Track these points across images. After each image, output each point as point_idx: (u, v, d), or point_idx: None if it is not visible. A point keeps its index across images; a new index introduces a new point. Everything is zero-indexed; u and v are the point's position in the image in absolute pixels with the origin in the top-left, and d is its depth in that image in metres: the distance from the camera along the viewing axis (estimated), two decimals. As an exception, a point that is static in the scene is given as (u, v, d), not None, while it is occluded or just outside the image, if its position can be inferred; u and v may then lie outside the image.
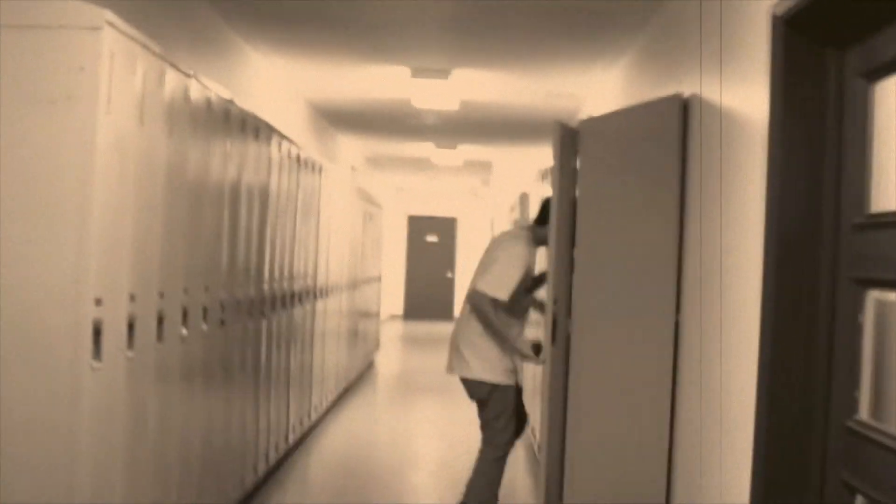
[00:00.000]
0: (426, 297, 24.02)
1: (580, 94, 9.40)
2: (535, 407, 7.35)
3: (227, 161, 5.05)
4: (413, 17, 6.87)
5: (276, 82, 9.02)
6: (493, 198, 17.04)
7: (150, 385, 3.95)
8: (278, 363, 6.69)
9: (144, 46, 3.78)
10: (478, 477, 5.68)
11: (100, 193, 3.32)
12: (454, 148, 14.74)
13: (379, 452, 8.15)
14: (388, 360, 14.86)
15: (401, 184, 22.73)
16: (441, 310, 23.90)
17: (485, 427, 5.79)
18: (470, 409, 10.75)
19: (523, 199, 11.01)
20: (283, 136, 6.46)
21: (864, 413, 3.18)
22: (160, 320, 4.02)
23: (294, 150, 6.89)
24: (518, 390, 5.84)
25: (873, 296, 3.18)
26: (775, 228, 3.49)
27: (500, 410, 5.68)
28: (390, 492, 6.92)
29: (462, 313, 5.85)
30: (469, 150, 14.93)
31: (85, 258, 3.25)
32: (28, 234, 3.25)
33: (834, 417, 3.29)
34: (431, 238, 24.12)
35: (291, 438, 7.34)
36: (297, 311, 7.31)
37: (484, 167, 17.45)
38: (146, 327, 3.84)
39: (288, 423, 7.18)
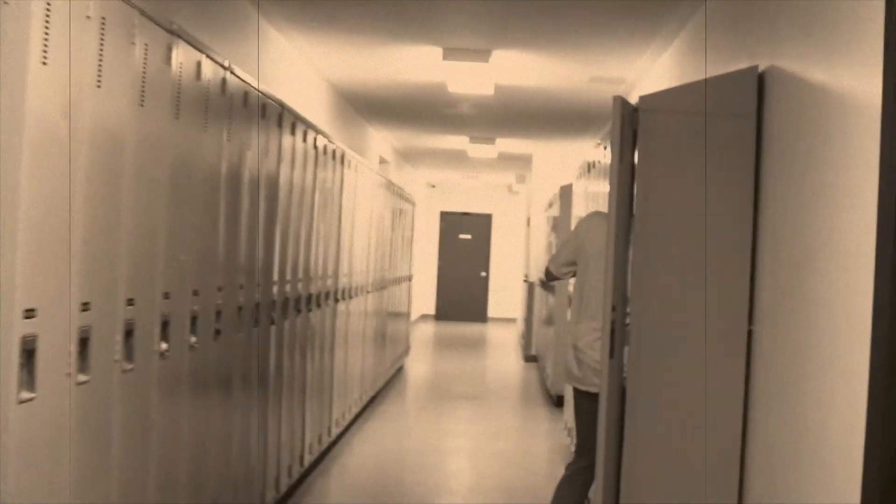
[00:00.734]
0: (459, 297, 23.54)
1: (629, 78, 8.68)
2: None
3: (227, 146, 4.37)
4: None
5: (298, 64, 8.37)
6: (529, 194, 16.46)
7: (117, 414, 3.22)
8: (291, 375, 5.98)
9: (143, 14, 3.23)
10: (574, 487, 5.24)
11: (30, 176, 2.57)
12: (491, 142, 14.16)
13: (408, 474, 7.42)
14: (419, 365, 14.28)
15: (433, 178, 22.25)
16: (474, 310, 23.42)
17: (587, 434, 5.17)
18: (508, 421, 10.37)
19: (565, 193, 10.36)
20: (299, 118, 5.76)
21: None
22: (129, 333, 3.28)
23: (314, 138, 6.19)
24: None
25: None
26: (892, 221, 2.82)
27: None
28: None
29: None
30: (505, 143, 14.36)
31: (8, 256, 2.49)
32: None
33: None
34: (465, 236, 23.58)
35: (308, 460, 6.62)
36: (315, 316, 6.60)
37: (521, 161, 16.90)
38: (106, 342, 3.10)
39: (304, 443, 6.46)
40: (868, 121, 3.14)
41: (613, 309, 4.62)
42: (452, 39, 7.73)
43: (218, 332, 4.33)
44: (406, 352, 13.89)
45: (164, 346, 3.64)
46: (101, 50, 3.01)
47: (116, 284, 3.20)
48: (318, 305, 6.70)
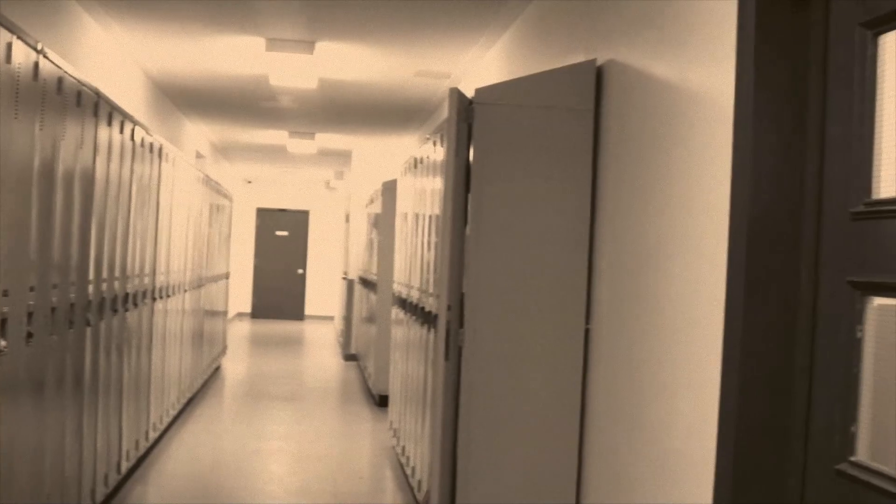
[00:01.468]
0: (276, 294, 23.20)
1: (456, 73, 8.60)
2: (421, 429, 6.54)
3: (39, 136, 4.05)
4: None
5: (111, 53, 7.98)
6: (349, 190, 16.29)
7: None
8: (108, 378, 5.66)
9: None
10: None
11: None
12: (311, 137, 13.93)
13: (230, 479, 7.15)
14: (237, 365, 13.94)
15: (250, 174, 21.83)
16: (292, 308, 23.13)
17: None
18: (330, 422, 10.16)
19: (388, 189, 10.25)
20: (116, 108, 5.44)
21: (862, 453, 2.60)
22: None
23: (131, 129, 5.87)
24: None
25: (877, 303, 2.62)
26: (744, 218, 2.83)
27: None
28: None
29: None
30: (326, 139, 14.15)
31: None
32: None
33: (819, 460, 2.72)
34: (281, 232, 23.24)
35: (125, 467, 6.29)
36: (132, 315, 6.28)
37: (341, 157, 16.71)
38: None
39: (120, 450, 6.14)
40: (714, 116, 3.10)
41: (449, 308, 4.52)
42: (276, 29, 7.51)
43: (30, 334, 4.02)
44: (223, 351, 13.53)
45: (-30, 351, 3.34)
46: None
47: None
48: (136, 305, 6.38)
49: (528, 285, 4.51)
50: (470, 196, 4.51)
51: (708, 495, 2.95)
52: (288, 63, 8.35)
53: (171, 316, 8.16)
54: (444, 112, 9.11)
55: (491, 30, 6.92)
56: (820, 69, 2.74)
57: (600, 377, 4.28)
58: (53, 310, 4.39)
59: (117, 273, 5.74)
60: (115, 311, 5.73)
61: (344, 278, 16.00)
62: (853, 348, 2.57)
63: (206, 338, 11.09)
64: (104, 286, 5.40)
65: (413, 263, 6.78)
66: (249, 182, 23.11)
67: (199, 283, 10.12)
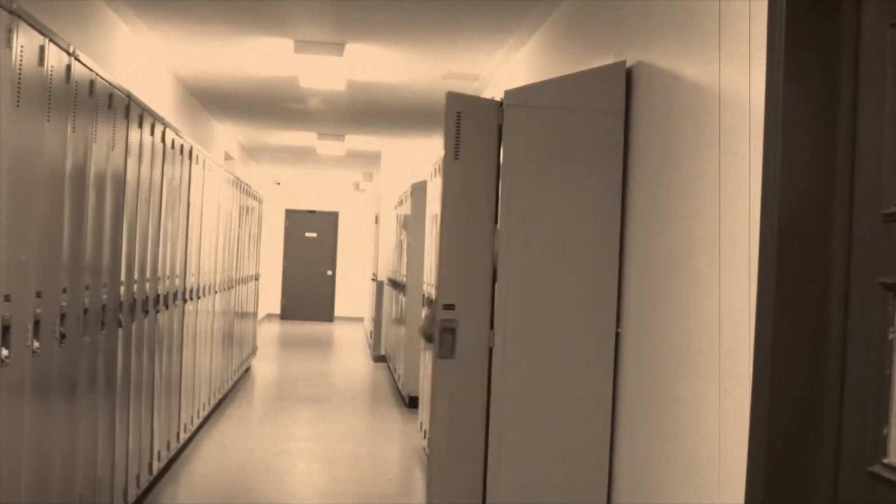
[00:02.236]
0: (305, 296, 23.23)
1: (484, 75, 8.60)
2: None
3: (72, 138, 4.08)
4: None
5: (142, 55, 8.03)
6: (378, 192, 16.31)
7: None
8: (139, 379, 5.69)
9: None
10: None
11: None
12: (340, 139, 13.96)
13: (260, 480, 7.17)
14: (267, 366, 13.98)
15: (279, 175, 21.89)
16: (321, 309, 23.16)
17: None
18: (360, 423, 10.18)
19: (417, 190, 10.27)
20: (146, 111, 5.48)
21: (895, 455, 2.60)
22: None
23: (162, 131, 5.90)
24: None
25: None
26: (775, 220, 2.80)
27: None
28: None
29: None
30: (355, 140, 14.18)
31: None
32: None
33: (851, 462, 2.71)
34: (311, 234, 23.28)
35: (156, 467, 6.33)
36: (163, 317, 6.32)
37: (370, 159, 16.73)
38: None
39: (152, 450, 6.17)
40: (745, 117, 3.09)
41: (451, 308, 4.51)
42: (305, 31, 7.53)
43: (63, 336, 4.06)
44: (253, 352, 13.58)
45: (4, 352, 3.36)
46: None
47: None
48: (167, 306, 6.42)
49: (558, 288, 4.50)
50: (500, 198, 4.50)
51: (739, 497, 2.94)
52: (317, 65, 8.37)
53: (202, 317, 8.20)
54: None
55: (520, 32, 6.91)
56: (851, 70, 2.73)
57: (631, 380, 4.27)
58: (86, 311, 4.42)
59: (148, 275, 5.77)
60: (146, 312, 5.76)
61: (373, 279, 16.02)
62: (885, 350, 2.55)
63: (236, 339, 11.13)
64: (135, 288, 5.44)
65: (442, 265, 6.77)
66: (278, 183, 23.17)
67: (229, 285, 10.16)
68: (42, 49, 3.66)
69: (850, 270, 2.73)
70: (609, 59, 4.73)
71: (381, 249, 15.03)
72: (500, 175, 4.52)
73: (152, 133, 5.68)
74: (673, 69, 3.84)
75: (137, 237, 5.43)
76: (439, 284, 4.57)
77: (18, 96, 3.43)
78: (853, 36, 2.72)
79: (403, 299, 11.03)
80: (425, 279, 8.22)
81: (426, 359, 7.96)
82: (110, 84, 4.68)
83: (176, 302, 6.80)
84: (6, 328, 3.38)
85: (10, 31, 3.32)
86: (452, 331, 4.53)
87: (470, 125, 4.54)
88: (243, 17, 7.18)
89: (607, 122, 4.44)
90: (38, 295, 3.72)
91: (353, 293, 23.08)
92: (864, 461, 2.61)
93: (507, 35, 7.09)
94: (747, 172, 3.03)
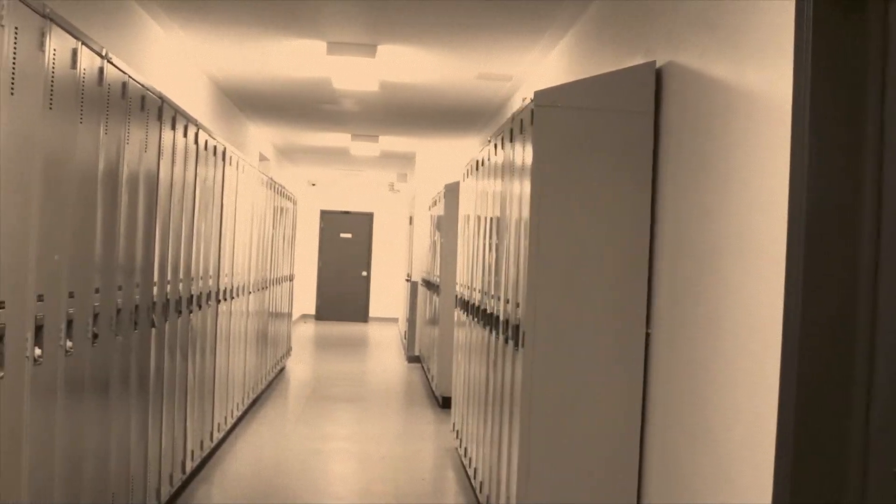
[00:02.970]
0: (340, 296, 23.29)
1: (517, 75, 8.59)
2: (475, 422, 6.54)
3: (104, 140, 4.11)
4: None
5: (175, 57, 8.09)
6: (412, 192, 16.34)
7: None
8: (172, 379, 5.73)
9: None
10: None
11: None
12: (374, 139, 13.99)
13: (293, 480, 7.21)
14: (301, 366, 14.03)
15: (314, 176, 21.96)
16: (356, 310, 23.21)
17: None
18: (393, 423, 10.20)
19: (450, 191, 10.28)
20: (179, 112, 5.51)
21: None
22: (-1, 339, 3.04)
23: (195, 133, 5.94)
24: None
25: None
26: (803, 219, 2.78)
27: None
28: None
29: None
30: (389, 141, 14.20)
31: None
32: None
33: (879, 463, 2.71)
34: (346, 235, 23.33)
35: (189, 466, 6.37)
36: (197, 317, 6.35)
37: (404, 159, 16.76)
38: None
39: (185, 449, 6.21)
40: (772, 117, 3.07)
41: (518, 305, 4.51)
42: (337, 33, 7.55)
43: (95, 335, 4.09)
44: (288, 353, 13.63)
45: (37, 351, 3.40)
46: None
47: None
48: (200, 306, 6.46)
49: (588, 289, 4.49)
50: (531, 198, 4.50)
51: (767, 498, 2.93)
52: (350, 66, 8.39)
53: (236, 317, 8.24)
54: (506, 114, 9.11)
55: (551, 32, 6.90)
56: (878, 70, 2.71)
57: (660, 382, 4.25)
58: (118, 311, 4.46)
59: (181, 275, 5.81)
60: (179, 312, 5.80)
61: (407, 280, 16.05)
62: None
63: (270, 339, 11.18)
64: (168, 288, 5.48)
65: (475, 265, 6.79)
66: (313, 184, 23.25)
67: (263, 285, 10.21)
68: (75, 52, 3.70)
69: (878, 271, 2.71)
70: (639, 60, 4.72)
71: (415, 250, 15.05)
72: (531, 175, 4.52)
73: (185, 135, 5.72)
74: (702, 69, 3.83)
75: (171, 238, 5.47)
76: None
77: (51, 99, 3.46)
78: (880, 35, 2.71)
79: (437, 300, 11.05)
80: (458, 280, 8.22)
81: (458, 359, 7.97)
82: (143, 86, 4.72)
83: (209, 302, 6.84)
84: (39, 328, 3.41)
85: (42, 35, 3.35)
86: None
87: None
88: (276, 19, 7.22)
89: (637, 123, 4.44)
90: (71, 295, 3.76)
91: (387, 294, 23.12)
92: (891, 462, 2.59)
93: (539, 35, 7.09)
94: (777, 173, 3.02)
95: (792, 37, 2.88)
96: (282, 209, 11.93)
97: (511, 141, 5.19)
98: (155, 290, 5.16)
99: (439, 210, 11.33)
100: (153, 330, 5.17)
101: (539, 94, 4.54)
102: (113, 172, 4.30)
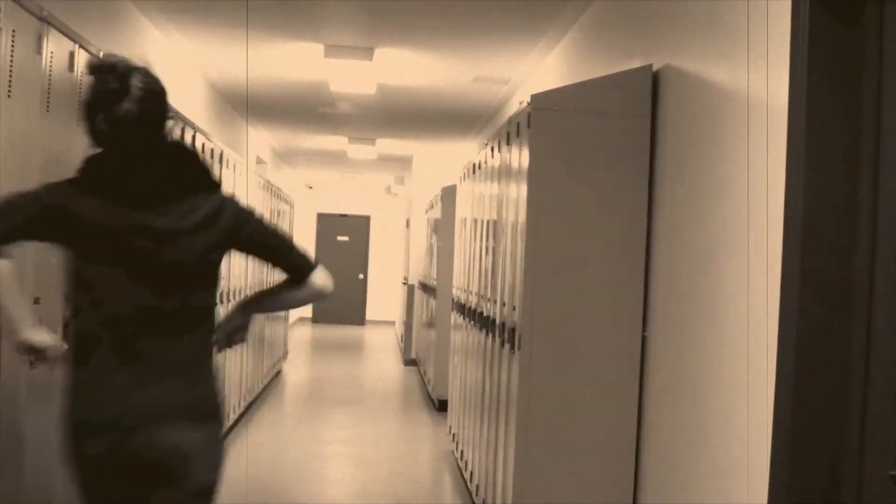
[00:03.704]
0: (337, 299, 23.21)
1: (514, 78, 8.60)
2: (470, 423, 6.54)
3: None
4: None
5: (172, 59, 8.09)
6: (409, 196, 16.34)
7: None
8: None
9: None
10: None
11: None
12: (371, 142, 14.00)
13: (290, 483, 7.21)
14: (298, 369, 14.02)
15: (311, 179, 21.97)
16: (352, 313, 23.20)
17: None
18: (390, 427, 10.21)
19: (447, 194, 10.29)
20: (176, 115, 5.50)
21: None
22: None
23: (191, 135, 5.94)
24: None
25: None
26: (799, 223, 2.80)
27: None
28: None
29: None
30: (386, 144, 14.21)
31: None
32: None
33: (874, 465, 2.71)
34: (342, 237, 23.33)
35: (185, 469, 6.34)
36: (193, 321, 6.33)
37: (401, 162, 16.76)
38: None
39: (181, 452, 6.19)
40: (769, 121, 3.08)
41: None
42: (334, 36, 7.56)
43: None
44: (284, 356, 13.63)
45: (33, 354, 3.39)
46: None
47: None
48: (196, 309, 6.44)
49: (585, 291, 4.49)
50: (527, 201, 4.51)
51: (763, 499, 2.93)
52: (347, 69, 8.40)
53: (232, 320, 8.21)
54: (503, 117, 9.12)
55: (549, 35, 6.91)
56: (874, 74, 2.72)
57: (656, 383, 4.26)
58: (115, 314, 4.44)
59: (178, 278, 5.79)
60: (176, 315, 5.78)
61: (404, 283, 16.05)
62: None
63: (267, 342, 11.18)
64: (165, 291, 5.46)
65: (472, 269, 6.79)
66: (310, 187, 23.25)
67: (259, 288, 10.18)
68: (72, 55, 3.70)
69: (875, 271, 2.72)
70: (636, 63, 4.73)
71: (412, 253, 15.06)
72: (528, 178, 4.52)
73: (182, 137, 5.72)
74: (699, 72, 3.83)
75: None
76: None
77: (49, 101, 3.47)
78: (876, 38, 2.71)
79: (434, 303, 11.05)
80: (455, 283, 8.23)
81: (455, 362, 7.97)
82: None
83: (206, 305, 6.82)
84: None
85: (40, 38, 3.36)
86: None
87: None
88: (273, 22, 7.22)
89: (634, 126, 4.44)
90: (68, 297, 3.75)
91: (384, 297, 23.12)
92: (887, 464, 2.59)
93: (537, 39, 7.09)
94: (773, 175, 3.02)
95: (788, 39, 2.89)
96: (279, 212, 11.93)
97: (508, 144, 5.19)
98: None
99: (436, 213, 11.34)
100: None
101: (536, 98, 4.54)
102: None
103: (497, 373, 5.25)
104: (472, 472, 6.36)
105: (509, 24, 6.82)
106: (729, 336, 3.38)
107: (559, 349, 4.48)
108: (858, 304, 2.74)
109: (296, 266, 3.09)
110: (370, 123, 12.36)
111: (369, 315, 23.37)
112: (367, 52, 7.89)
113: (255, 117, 12.31)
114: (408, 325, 14.91)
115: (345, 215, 23.46)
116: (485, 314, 5.85)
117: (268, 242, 3.04)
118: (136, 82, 2.68)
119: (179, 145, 2.89)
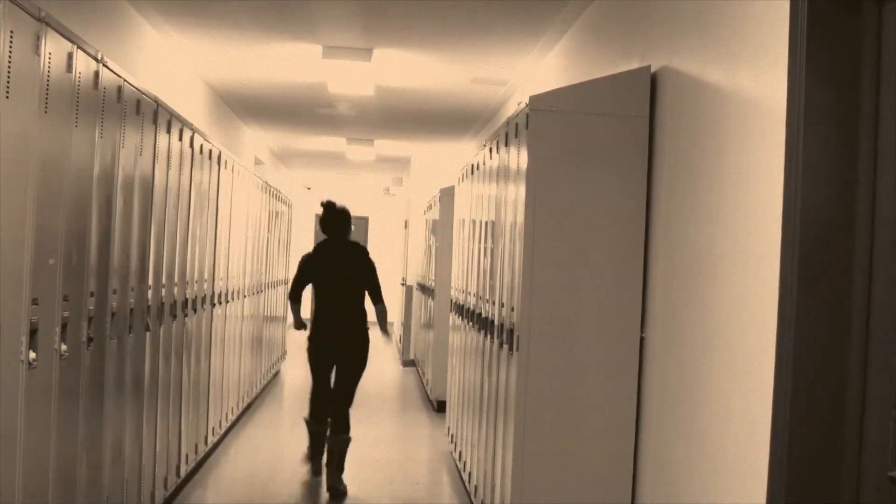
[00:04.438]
0: (336, 300, 23.13)
1: (512, 80, 8.60)
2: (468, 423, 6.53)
3: (100, 144, 4.12)
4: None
5: (170, 60, 8.09)
6: (407, 196, 16.34)
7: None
8: (167, 383, 5.73)
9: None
10: None
11: None
12: (370, 143, 14.00)
13: (288, 485, 7.21)
14: (296, 370, 13.99)
15: (309, 180, 21.95)
16: (351, 314, 23.02)
17: None
18: (388, 428, 10.20)
19: (446, 195, 10.28)
20: (174, 116, 5.52)
21: None
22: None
23: (190, 136, 5.94)
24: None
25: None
26: (797, 224, 2.80)
27: None
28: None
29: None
30: (384, 145, 14.21)
31: None
32: None
33: (872, 467, 2.71)
34: (341, 239, 23.24)
35: (184, 470, 6.37)
36: (191, 321, 6.35)
37: (399, 163, 16.76)
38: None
39: (180, 453, 6.21)
40: (767, 121, 3.08)
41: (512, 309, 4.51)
42: (333, 37, 7.56)
43: (90, 339, 4.09)
44: (282, 356, 13.63)
45: (32, 355, 3.40)
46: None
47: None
48: (195, 310, 6.46)
49: (583, 293, 4.50)
50: (526, 202, 4.51)
51: (762, 500, 2.93)
52: (345, 70, 8.40)
53: (230, 321, 8.24)
54: (502, 118, 9.12)
55: (547, 36, 6.91)
56: (873, 73, 2.72)
57: (655, 385, 4.26)
58: (113, 314, 4.46)
59: (176, 279, 5.81)
60: (174, 316, 5.80)
61: (402, 284, 16.05)
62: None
63: (265, 343, 11.18)
64: (163, 292, 5.48)
65: (470, 269, 6.80)
66: (309, 188, 23.24)
67: (258, 289, 10.21)
68: (70, 56, 3.70)
69: (873, 274, 2.72)
70: (634, 64, 4.73)
71: (410, 254, 15.06)
72: (526, 179, 4.53)
73: (180, 138, 5.72)
74: (697, 74, 3.84)
75: (165, 241, 5.47)
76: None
77: (47, 103, 3.47)
78: (874, 39, 2.72)
79: (432, 304, 11.05)
80: (453, 284, 8.23)
81: (453, 363, 7.97)
82: (138, 90, 4.72)
83: (204, 306, 6.84)
84: (34, 331, 3.42)
85: (38, 39, 3.35)
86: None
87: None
88: (272, 23, 7.22)
89: (632, 127, 4.45)
90: (66, 298, 3.76)
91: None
92: (885, 466, 2.60)
93: (535, 40, 7.10)
94: (771, 176, 3.03)
95: (786, 41, 2.89)
96: (277, 213, 11.93)
97: (506, 145, 5.19)
98: (150, 293, 5.16)
99: (434, 214, 11.34)
100: (148, 334, 5.17)
101: (534, 99, 4.55)
102: (108, 176, 4.30)
103: (495, 374, 5.25)
104: (470, 473, 6.36)
105: (507, 26, 6.82)
106: (727, 337, 3.38)
107: (557, 350, 4.49)
108: (856, 306, 2.74)
109: (376, 296, 7.14)
110: (368, 124, 12.36)
111: (368, 316, 23.30)
112: (366, 53, 7.89)
113: (253, 118, 12.31)
114: (406, 326, 14.91)
115: (343, 216, 23.38)
116: (483, 315, 5.85)
117: (373, 278, 7.11)
118: (340, 214, 7.04)
119: (353, 241, 7.17)
